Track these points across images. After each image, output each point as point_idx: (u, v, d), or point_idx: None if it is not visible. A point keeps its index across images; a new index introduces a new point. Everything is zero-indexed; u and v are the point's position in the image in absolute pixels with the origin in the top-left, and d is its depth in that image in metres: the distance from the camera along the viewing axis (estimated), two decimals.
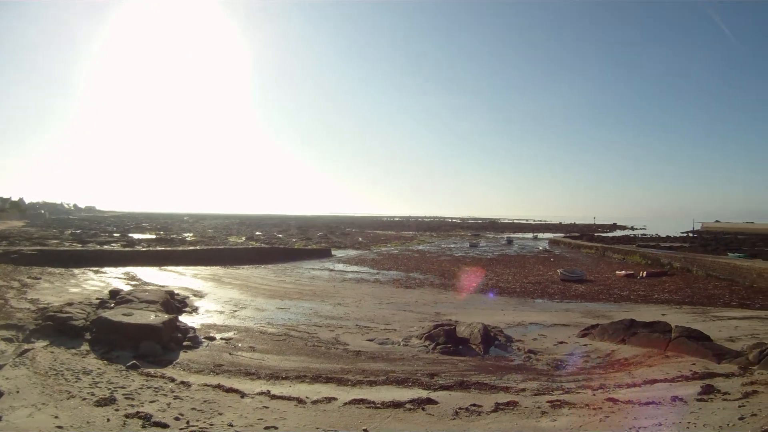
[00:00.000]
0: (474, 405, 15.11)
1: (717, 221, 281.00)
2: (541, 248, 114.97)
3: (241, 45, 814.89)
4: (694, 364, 21.31)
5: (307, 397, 15.53)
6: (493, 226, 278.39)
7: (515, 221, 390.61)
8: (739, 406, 14.99)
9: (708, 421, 13.71)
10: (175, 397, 15.00)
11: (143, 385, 16.02)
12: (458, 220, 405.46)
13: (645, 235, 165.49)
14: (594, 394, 16.73)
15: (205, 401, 14.82)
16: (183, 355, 20.70)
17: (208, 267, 60.00)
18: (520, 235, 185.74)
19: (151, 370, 17.87)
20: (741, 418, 13.86)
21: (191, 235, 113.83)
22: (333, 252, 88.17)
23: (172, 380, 16.82)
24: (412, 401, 15.30)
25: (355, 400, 15.40)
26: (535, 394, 16.71)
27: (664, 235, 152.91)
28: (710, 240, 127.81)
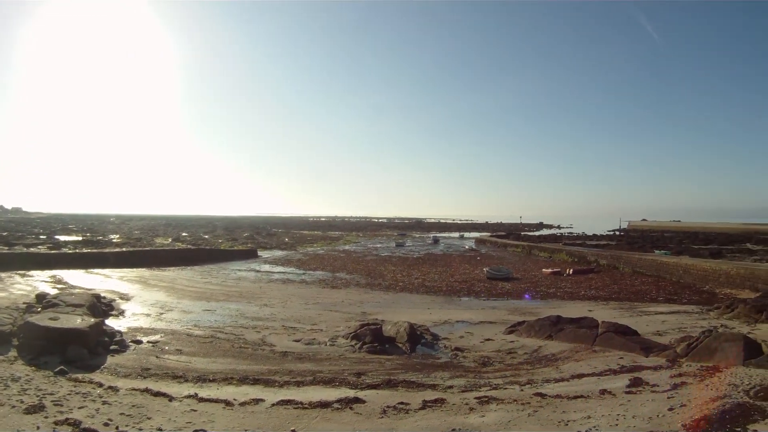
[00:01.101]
0: (402, 403, 15.23)
1: (644, 220, 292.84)
2: (467, 247, 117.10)
3: (166, 44, 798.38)
4: (621, 358, 21.93)
5: (234, 399, 15.44)
6: (419, 225, 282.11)
7: (441, 221, 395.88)
8: (669, 398, 15.41)
9: (637, 413, 13.98)
10: (104, 403, 14.74)
11: (72, 390, 15.69)
12: (384, 220, 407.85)
13: (572, 233, 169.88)
14: (522, 390, 16.97)
15: (133, 406, 14.59)
16: (110, 360, 20.34)
17: (135, 269, 59.22)
18: (446, 234, 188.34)
19: (79, 376, 17.49)
20: (671, 409, 14.18)
21: (118, 236, 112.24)
22: (259, 253, 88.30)
23: (100, 385, 16.50)
24: (339, 401, 15.34)
25: (282, 400, 15.37)
26: (463, 391, 16.88)
27: (590, 234, 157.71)
28: (637, 238, 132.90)
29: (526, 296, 27.59)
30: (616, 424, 13.26)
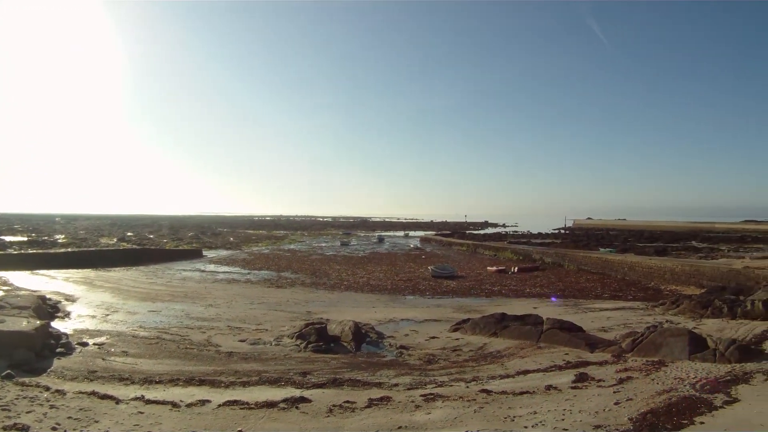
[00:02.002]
0: (347, 402, 15.29)
1: (589, 218, 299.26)
2: (412, 246, 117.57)
3: (112, 40, 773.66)
4: (567, 354, 22.29)
5: (181, 401, 15.35)
6: (364, 224, 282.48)
7: (387, 219, 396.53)
8: (615, 392, 15.68)
9: (584, 408, 14.15)
10: (51, 407, 14.59)
11: (19, 395, 15.51)
12: (330, 219, 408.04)
13: (517, 232, 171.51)
14: (467, 387, 17.09)
15: (81, 409, 14.46)
16: (57, 363, 20.14)
17: (81, 270, 58.64)
18: (391, 233, 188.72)
19: (26, 380, 17.29)
20: (617, 404, 14.39)
21: (63, 236, 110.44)
22: (204, 252, 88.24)
23: (47, 389, 16.33)
24: (285, 400, 15.35)
25: (229, 401, 15.34)
26: (409, 389, 16.98)
27: (536, 232, 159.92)
28: (582, 236, 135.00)
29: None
30: (563, 419, 13.37)
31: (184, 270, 63.00)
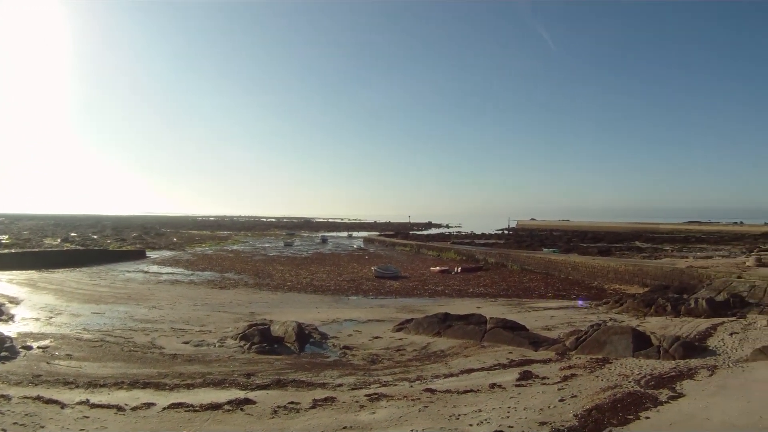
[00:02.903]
0: (292, 403, 15.22)
1: (532, 219, 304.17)
2: (355, 246, 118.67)
3: (55, 37, 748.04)
4: (511, 352, 22.58)
5: (126, 404, 15.17)
6: (308, 225, 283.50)
7: (330, 220, 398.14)
8: (559, 389, 15.79)
9: (529, 405, 14.19)
10: None
11: None
12: (273, 220, 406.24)
13: (460, 232, 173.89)
14: (412, 386, 17.11)
15: (26, 414, 14.17)
16: (1, 367, 19.90)
17: (24, 271, 58.06)
18: (335, 233, 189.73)
19: None
20: (561, 400, 14.49)
21: (6, 237, 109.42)
22: (148, 253, 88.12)
23: None
24: (230, 402, 15.25)
25: (173, 404, 15.18)
26: (353, 389, 16.97)
27: (479, 233, 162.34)
28: (525, 236, 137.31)
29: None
30: (508, 417, 13.41)
31: (127, 271, 62.81)
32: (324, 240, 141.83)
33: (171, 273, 62.85)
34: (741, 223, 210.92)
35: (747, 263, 52.53)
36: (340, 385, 17.55)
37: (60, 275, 56.13)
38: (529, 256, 72.20)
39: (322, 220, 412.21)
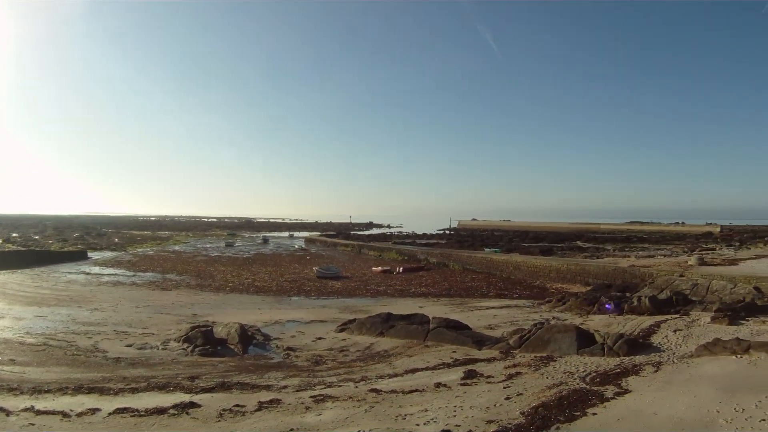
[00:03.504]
0: (237, 405, 15.13)
1: (474, 219, 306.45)
2: (297, 247, 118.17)
3: None
4: (454, 351, 22.84)
5: (71, 410, 14.84)
6: (249, 225, 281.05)
7: (271, 220, 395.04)
8: (505, 388, 15.95)
9: (475, 404, 14.29)
10: None
11: None
12: (214, 219, 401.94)
13: (402, 232, 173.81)
14: (357, 387, 17.11)
15: None
16: None
17: None
18: (276, 234, 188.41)
19: None
20: (507, 399, 14.61)
21: None
22: (89, 254, 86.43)
23: None
24: (175, 406, 15.05)
25: (119, 409, 14.93)
26: (298, 390, 16.91)
27: (421, 233, 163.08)
28: (467, 236, 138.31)
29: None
30: (455, 416, 13.47)
31: (69, 272, 61.76)
32: (265, 240, 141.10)
33: (113, 274, 62.07)
34: (682, 223, 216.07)
35: (689, 262, 53.98)
36: (284, 387, 17.51)
37: (1, 277, 55.11)
38: (470, 255, 72.79)
39: (263, 220, 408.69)
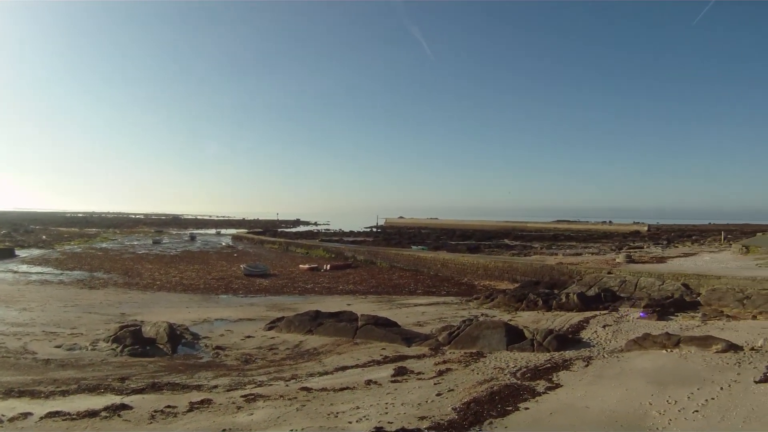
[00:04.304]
0: (169, 406, 14.90)
1: (401, 217, 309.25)
2: (224, 244, 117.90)
3: None
4: (384, 348, 22.97)
5: (3, 415, 14.38)
6: (176, 222, 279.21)
7: (199, 217, 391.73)
8: (435, 384, 16.03)
9: (406, 401, 14.32)
10: None
11: None
12: (142, 216, 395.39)
13: (329, 230, 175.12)
14: (287, 385, 17.04)
15: None
16: None
17: None
18: (203, 231, 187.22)
19: None
20: (439, 395, 14.68)
21: None
22: (17, 252, 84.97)
23: None
24: (106, 408, 14.69)
25: (51, 413, 14.49)
26: (228, 390, 16.77)
27: (348, 230, 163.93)
28: (394, 234, 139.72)
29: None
30: (386, 413, 13.46)
31: None
32: (193, 237, 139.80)
33: (40, 273, 60.65)
34: (610, 222, 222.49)
35: (617, 260, 55.69)
36: (215, 387, 17.36)
37: None
38: (398, 253, 73.25)
39: (190, 217, 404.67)
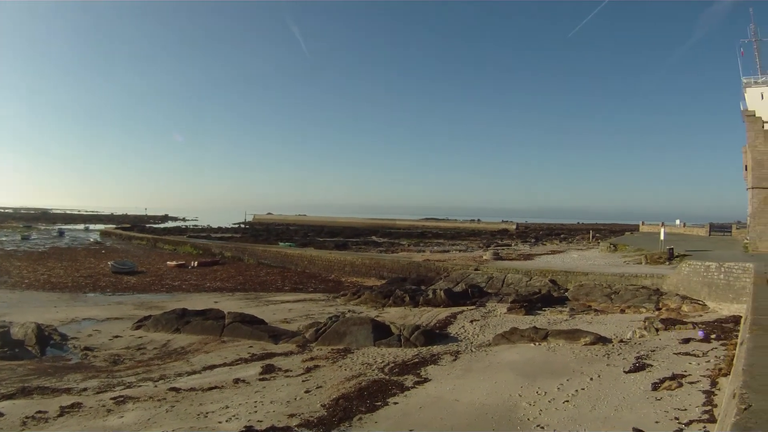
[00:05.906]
0: (39, 412, 14.36)
1: (269, 213, 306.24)
2: (92, 240, 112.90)
3: None
4: (251, 346, 22.88)
5: None
6: (45, 216, 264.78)
7: (67, 212, 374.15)
8: (304, 381, 16.18)
9: (275, 398, 14.33)
10: None
11: None
12: (11, 210, 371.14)
13: (197, 226, 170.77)
14: (156, 386, 16.70)
15: None
16: None
17: None
18: (71, 226, 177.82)
19: None
20: (307, 392, 14.76)
21: None
22: None
23: None
24: None
25: None
26: (98, 392, 16.27)
27: (216, 227, 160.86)
28: (262, 231, 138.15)
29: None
30: (256, 411, 13.45)
31: None
32: (61, 233, 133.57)
33: None
34: (478, 220, 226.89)
35: (485, 257, 56.70)
36: (85, 390, 16.83)
37: None
38: (265, 249, 72.43)
39: (59, 211, 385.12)
